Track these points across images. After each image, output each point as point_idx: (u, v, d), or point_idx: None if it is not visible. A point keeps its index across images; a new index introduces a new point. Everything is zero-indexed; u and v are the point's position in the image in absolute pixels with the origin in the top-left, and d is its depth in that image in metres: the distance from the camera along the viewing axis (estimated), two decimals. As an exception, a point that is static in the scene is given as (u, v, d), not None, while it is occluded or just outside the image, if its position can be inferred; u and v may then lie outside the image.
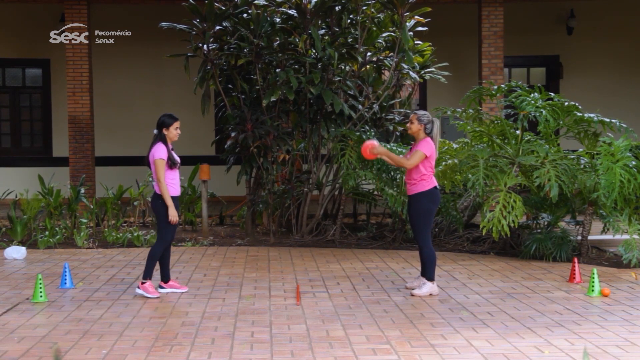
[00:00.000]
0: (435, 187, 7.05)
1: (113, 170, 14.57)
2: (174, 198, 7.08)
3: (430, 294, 7.00)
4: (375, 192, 10.67)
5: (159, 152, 6.97)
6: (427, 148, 6.94)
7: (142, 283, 7.07)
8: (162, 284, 7.26)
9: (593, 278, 7.00)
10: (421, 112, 7.12)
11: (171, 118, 7.11)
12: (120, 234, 10.29)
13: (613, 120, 8.92)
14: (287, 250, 9.78)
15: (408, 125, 7.18)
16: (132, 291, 7.26)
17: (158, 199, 7.06)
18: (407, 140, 11.14)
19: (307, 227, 10.54)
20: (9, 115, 15.50)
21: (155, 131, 7.10)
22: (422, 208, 6.99)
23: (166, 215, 7.02)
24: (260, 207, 10.70)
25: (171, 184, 7.05)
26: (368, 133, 10.25)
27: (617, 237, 8.91)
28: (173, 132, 7.11)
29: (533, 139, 9.20)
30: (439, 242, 9.91)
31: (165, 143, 7.04)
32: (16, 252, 9.21)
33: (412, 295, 6.99)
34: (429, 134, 7.04)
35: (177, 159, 7.17)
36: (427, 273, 7.04)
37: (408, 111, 11.50)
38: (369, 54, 10.68)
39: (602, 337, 5.57)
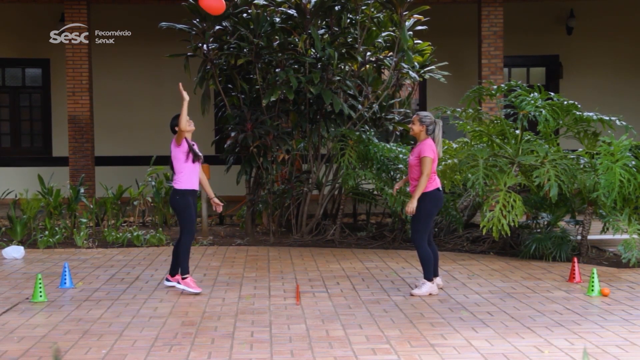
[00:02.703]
0: (437, 189, 7.04)
1: (113, 170, 14.57)
2: (191, 192, 7.15)
3: (430, 294, 7.01)
4: (375, 192, 10.66)
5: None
6: (430, 151, 6.93)
7: (183, 278, 7.13)
8: (169, 277, 7.33)
9: (593, 278, 6.99)
10: (423, 113, 7.11)
11: (175, 119, 7.21)
12: (120, 234, 10.29)
13: (612, 118, 8.92)
14: (286, 250, 9.78)
15: (410, 126, 7.18)
16: (131, 290, 7.26)
17: (176, 194, 7.13)
18: (407, 140, 11.15)
19: (307, 227, 10.54)
20: (9, 115, 15.49)
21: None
22: (424, 209, 6.96)
23: (185, 210, 7.08)
24: (260, 207, 10.69)
25: (189, 177, 7.11)
26: (368, 133, 10.25)
27: (617, 236, 8.91)
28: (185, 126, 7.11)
29: (533, 138, 9.20)
30: (439, 242, 9.89)
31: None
32: (15, 252, 9.20)
33: (412, 295, 7.00)
34: (431, 134, 7.04)
35: (200, 154, 7.25)
36: (424, 273, 7.04)
37: (408, 111, 11.51)
38: (368, 53, 10.67)
39: (602, 337, 5.57)
